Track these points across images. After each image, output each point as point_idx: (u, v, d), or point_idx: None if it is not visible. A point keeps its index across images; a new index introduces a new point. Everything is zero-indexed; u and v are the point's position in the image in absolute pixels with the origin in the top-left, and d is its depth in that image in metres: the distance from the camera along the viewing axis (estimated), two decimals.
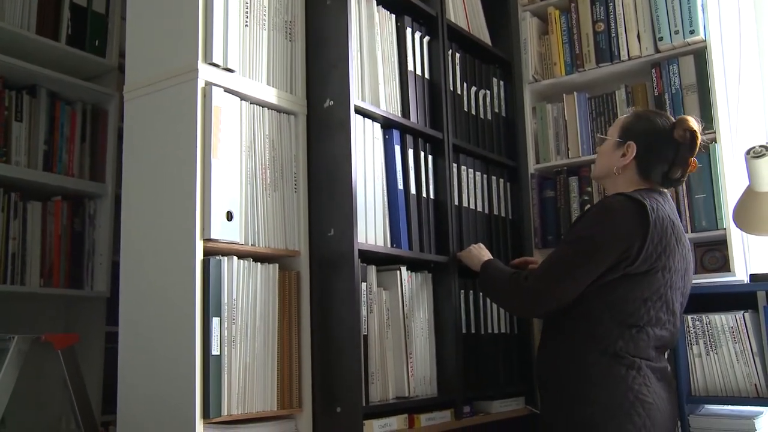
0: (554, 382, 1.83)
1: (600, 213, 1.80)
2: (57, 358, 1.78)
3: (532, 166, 2.72)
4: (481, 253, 2.16)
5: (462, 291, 2.26)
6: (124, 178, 1.89)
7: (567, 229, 2.51)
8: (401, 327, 2.06)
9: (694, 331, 2.17)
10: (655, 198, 1.80)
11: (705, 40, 2.39)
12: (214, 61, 1.78)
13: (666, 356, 1.87)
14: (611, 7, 2.63)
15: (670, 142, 1.85)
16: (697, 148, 1.85)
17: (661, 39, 2.48)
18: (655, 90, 2.53)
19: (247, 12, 1.91)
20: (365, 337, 1.91)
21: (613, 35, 2.62)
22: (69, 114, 2.53)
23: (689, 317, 2.18)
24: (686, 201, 2.38)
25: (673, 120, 1.90)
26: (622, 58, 2.59)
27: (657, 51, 2.51)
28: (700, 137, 1.85)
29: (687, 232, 2.35)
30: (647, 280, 1.73)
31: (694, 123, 1.85)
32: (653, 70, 2.53)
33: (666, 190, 1.91)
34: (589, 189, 2.65)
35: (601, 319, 1.74)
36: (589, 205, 2.56)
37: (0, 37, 2.31)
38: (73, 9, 2.51)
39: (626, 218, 1.73)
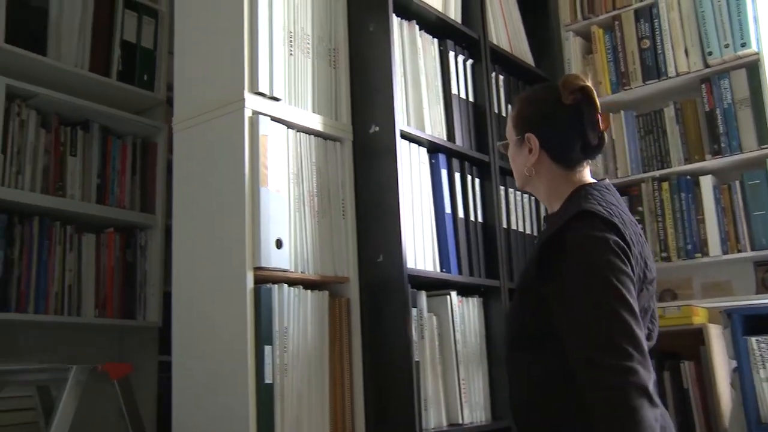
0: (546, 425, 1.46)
1: (583, 246, 1.41)
2: (113, 388, 1.79)
3: None
4: None
5: None
6: (175, 208, 1.92)
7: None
8: (453, 352, 2.03)
9: (760, 354, 2.09)
10: (612, 204, 1.48)
11: (758, 53, 2.34)
12: (260, 90, 1.80)
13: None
14: (657, 24, 2.59)
15: (566, 111, 1.53)
16: (598, 103, 1.55)
17: (710, 53, 2.44)
18: (706, 106, 2.47)
19: (291, 41, 1.93)
20: (417, 363, 1.89)
21: (660, 52, 2.58)
22: (120, 147, 2.58)
23: (753, 339, 2.10)
24: (744, 218, 2.32)
25: (556, 85, 1.57)
26: (669, 75, 2.56)
27: (706, 66, 2.46)
28: (593, 89, 1.56)
29: (746, 250, 2.28)
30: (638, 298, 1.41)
31: (579, 78, 1.54)
32: (703, 86, 2.48)
33: (608, 184, 1.57)
34: (640, 209, 2.60)
35: None
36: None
37: (57, 76, 2.38)
38: (123, 45, 2.58)
39: (616, 243, 1.39)
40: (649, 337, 1.52)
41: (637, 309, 1.36)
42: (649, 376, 1.30)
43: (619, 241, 1.39)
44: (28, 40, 2.30)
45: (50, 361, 2.04)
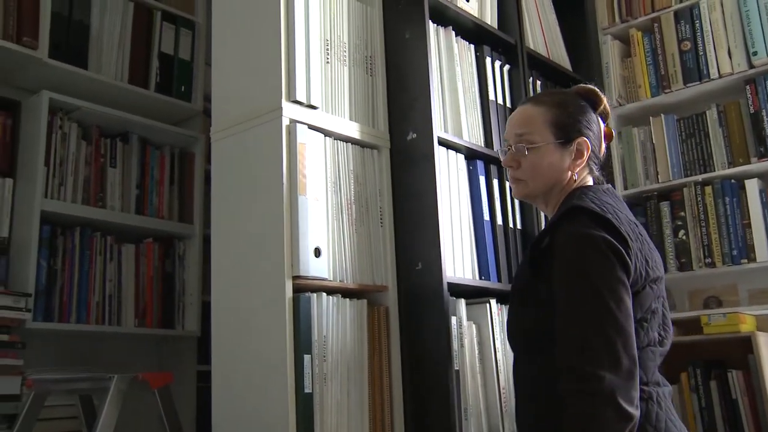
0: None
1: (568, 246, 1.37)
2: (153, 397, 1.81)
3: (620, 192, 2.63)
4: None
5: None
6: (213, 217, 1.92)
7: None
8: (492, 361, 2.00)
9: None
10: (607, 203, 1.45)
11: None
12: (298, 98, 1.80)
13: None
14: (698, 25, 2.54)
15: (595, 121, 1.58)
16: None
17: (755, 54, 2.38)
18: (751, 107, 2.41)
19: (327, 49, 1.93)
20: (457, 372, 1.86)
21: (701, 53, 2.53)
22: (158, 158, 2.61)
23: None
24: None
25: (580, 93, 1.61)
26: (711, 77, 2.50)
27: (751, 66, 2.41)
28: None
29: None
30: (638, 300, 1.36)
31: (600, 92, 1.60)
32: (747, 87, 2.42)
33: (609, 187, 1.58)
34: (683, 214, 2.54)
35: None
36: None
37: (97, 89, 2.42)
38: (161, 57, 2.61)
39: (606, 241, 1.34)
40: (661, 343, 1.44)
41: (622, 312, 1.29)
42: (621, 385, 1.24)
43: (609, 238, 1.34)
44: (70, 54, 2.34)
45: (92, 370, 2.06)
